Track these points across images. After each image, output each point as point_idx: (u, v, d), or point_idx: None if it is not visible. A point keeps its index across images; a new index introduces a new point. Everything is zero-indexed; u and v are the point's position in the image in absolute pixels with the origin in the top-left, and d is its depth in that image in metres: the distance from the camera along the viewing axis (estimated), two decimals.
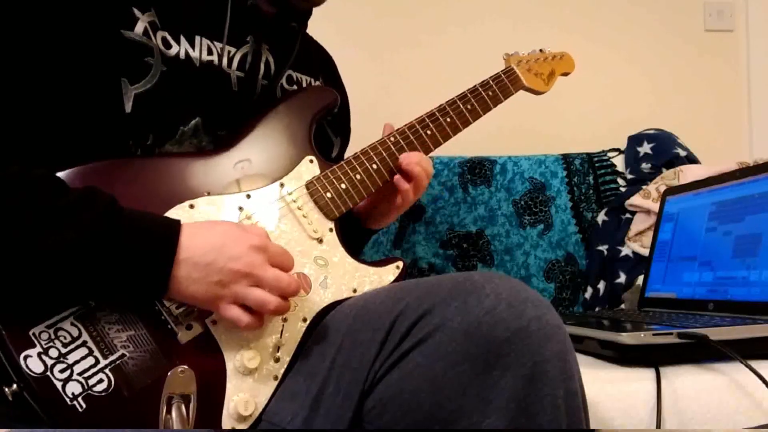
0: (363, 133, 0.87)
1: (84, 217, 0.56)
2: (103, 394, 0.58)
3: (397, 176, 0.79)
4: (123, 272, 0.58)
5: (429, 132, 0.82)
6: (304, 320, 0.69)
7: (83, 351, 0.58)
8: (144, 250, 0.58)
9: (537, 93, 0.97)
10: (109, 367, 0.59)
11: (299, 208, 0.72)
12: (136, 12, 0.67)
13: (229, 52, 0.74)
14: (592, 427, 0.62)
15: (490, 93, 0.88)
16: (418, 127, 0.82)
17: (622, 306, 1.29)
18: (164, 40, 0.69)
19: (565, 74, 1.03)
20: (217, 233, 0.62)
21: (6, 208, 0.55)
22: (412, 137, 0.81)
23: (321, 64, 0.92)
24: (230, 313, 0.62)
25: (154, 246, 0.59)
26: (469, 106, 0.85)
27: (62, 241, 0.55)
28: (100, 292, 0.60)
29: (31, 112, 0.62)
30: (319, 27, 0.91)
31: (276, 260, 0.64)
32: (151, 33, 0.68)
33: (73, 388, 0.57)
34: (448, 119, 0.84)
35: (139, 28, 0.67)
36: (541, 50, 1.00)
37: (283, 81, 0.82)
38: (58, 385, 0.57)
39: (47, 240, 0.55)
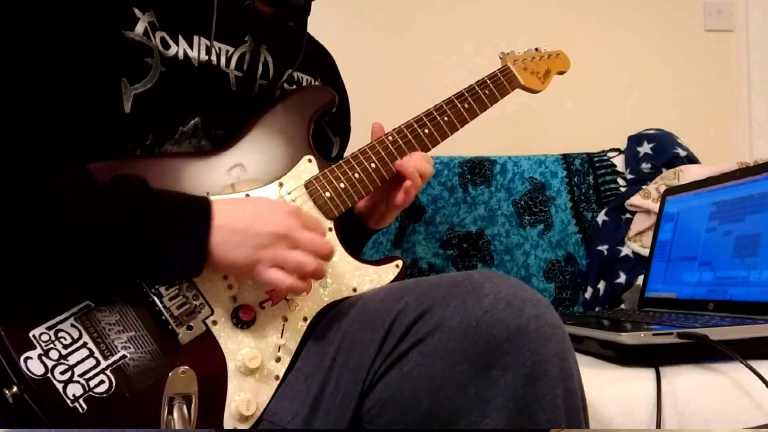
0: (363, 132, 0.87)
1: (122, 196, 0.58)
2: (105, 395, 0.58)
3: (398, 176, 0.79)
4: (163, 247, 0.59)
5: (427, 131, 0.82)
6: (305, 320, 0.69)
7: (84, 352, 0.58)
8: (181, 221, 0.60)
9: (533, 92, 0.97)
10: (110, 368, 0.59)
11: None
12: (137, 12, 0.67)
13: (227, 51, 0.74)
14: (592, 427, 0.62)
15: (487, 92, 0.88)
16: (416, 126, 0.82)
17: (622, 306, 1.29)
18: (163, 40, 0.69)
19: (561, 73, 1.03)
20: (249, 202, 0.65)
21: (48, 193, 0.57)
22: (410, 136, 0.81)
23: (320, 63, 0.92)
24: (271, 275, 0.62)
25: (189, 216, 0.60)
26: (466, 105, 0.86)
27: (105, 219, 0.56)
28: (143, 268, 0.60)
29: (31, 111, 0.63)
30: (318, 26, 0.91)
31: (310, 225, 0.66)
32: (150, 33, 0.68)
33: (74, 389, 0.57)
34: (446, 118, 0.84)
35: (140, 28, 0.67)
36: (536, 49, 1.00)
37: (284, 80, 0.82)
38: (59, 386, 0.57)
39: (93, 218, 0.56)
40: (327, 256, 0.66)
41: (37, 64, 0.62)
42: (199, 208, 0.62)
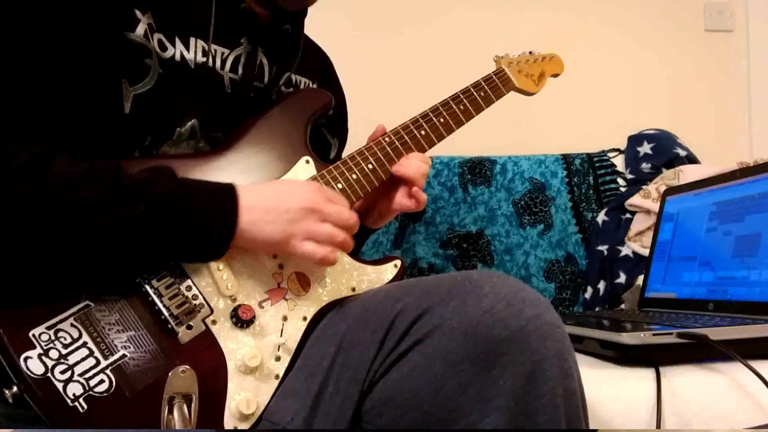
0: (361, 134, 0.87)
1: (157, 188, 0.61)
2: (105, 394, 0.58)
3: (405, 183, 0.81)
4: (194, 230, 0.62)
5: (423, 132, 0.83)
6: (304, 319, 0.69)
7: (84, 352, 0.58)
8: (209, 205, 0.63)
9: (528, 94, 0.97)
10: (110, 367, 0.59)
11: None
12: (138, 13, 0.67)
13: (222, 53, 0.74)
14: (592, 427, 0.62)
15: (482, 94, 0.88)
16: (412, 127, 0.83)
17: (622, 306, 1.29)
18: (160, 42, 0.69)
19: (555, 75, 1.03)
20: (273, 184, 0.70)
21: (95, 188, 0.58)
22: (406, 137, 0.82)
23: (317, 65, 0.92)
24: (307, 248, 0.66)
25: (216, 201, 0.63)
26: (461, 107, 0.86)
27: (142, 210, 0.59)
28: (178, 251, 0.63)
29: (35, 111, 0.62)
30: (316, 27, 0.91)
31: (334, 199, 0.70)
32: (149, 35, 0.68)
33: (74, 389, 0.57)
34: (442, 120, 0.84)
35: (140, 29, 0.67)
36: (530, 52, 1.00)
37: (281, 83, 0.82)
38: (59, 386, 0.57)
39: (130, 211, 0.59)
40: (353, 227, 0.70)
41: (41, 63, 0.62)
42: (226, 192, 0.64)
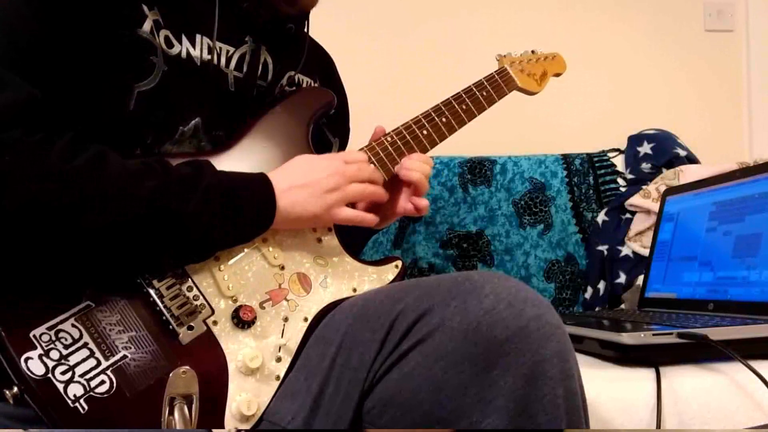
0: (362, 134, 0.87)
1: (202, 182, 0.63)
2: (105, 395, 0.58)
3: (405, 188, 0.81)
4: (239, 218, 0.65)
5: (425, 132, 0.83)
6: (305, 320, 0.69)
7: (85, 352, 0.58)
8: (249, 193, 0.66)
9: (530, 93, 0.97)
10: (110, 368, 0.59)
11: None
12: (145, 9, 0.67)
13: (227, 51, 0.74)
14: (592, 427, 0.62)
15: (485, 93, 0.88)
16: (414, 127, 0.82)
17: (622, 306, 1.29)
18: (167, 39, 0.69)
19: (557, 75, 1.03)
20: (293, 163, 0.71)
21: (154, 182, 0.61)
22: (408, 137, 0.81)
23: (319, 64, 0.92)
24: (348, 214, 0.72)
25: (254, 189, 0.66)
26: (464, 106, 0.86)
27: (199, 205, 0.62)
28: (226, 238, 0.66)
29: (44, 106, 0.62)
30: (318, 27, 0.91)
31: (350, 158, 0.74)
32: (155, 31, 0.68)
33: (74, 389, 0.57)
34: (444, 119, 0.84)
35: (147, 26, 0.67)
36: (533, 51, 1.00)
37: (284, 82, 0.82)
38: (60, 387, 0.57)
39: (189, 205, 0.62)
40: (376, 179, 0.75)
41: (53, 58, 0.62)
42: (260, 179, 0.68)
